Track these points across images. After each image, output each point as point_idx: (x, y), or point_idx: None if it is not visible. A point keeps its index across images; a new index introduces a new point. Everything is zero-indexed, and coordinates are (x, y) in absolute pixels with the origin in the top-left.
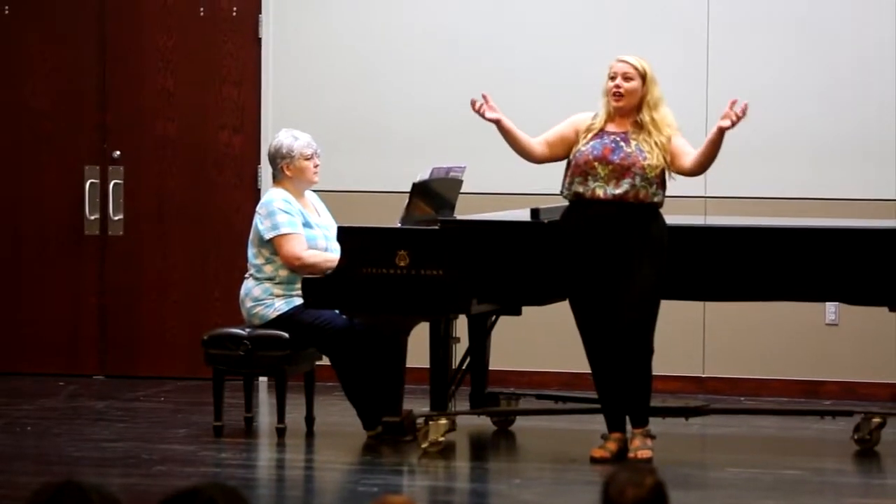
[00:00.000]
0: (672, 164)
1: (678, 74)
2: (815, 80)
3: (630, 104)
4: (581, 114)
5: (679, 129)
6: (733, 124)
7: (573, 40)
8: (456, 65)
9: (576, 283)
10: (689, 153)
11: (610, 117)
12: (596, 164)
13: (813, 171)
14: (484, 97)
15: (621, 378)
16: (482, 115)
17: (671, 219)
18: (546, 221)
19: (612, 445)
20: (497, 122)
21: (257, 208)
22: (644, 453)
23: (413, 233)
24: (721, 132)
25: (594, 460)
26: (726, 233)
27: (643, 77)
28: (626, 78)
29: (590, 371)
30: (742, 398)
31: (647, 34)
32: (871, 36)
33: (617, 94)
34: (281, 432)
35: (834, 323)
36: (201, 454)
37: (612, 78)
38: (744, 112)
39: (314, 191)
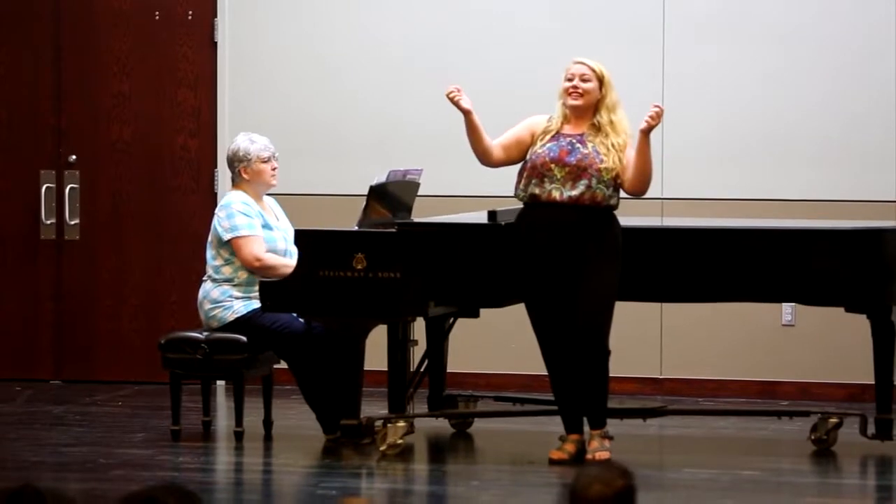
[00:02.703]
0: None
1: (634, 78)
2: (768, 82)
3: (587, 104)
4: (536, 116)
5: (632, 136)
6: (650, 126)
7: (529, 45)
8: (413, 69)
9: (531, 285)
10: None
11: (566, 119)
12: (552, 165)
13: (769, 173)
14: (458, 89)
15: (578, 380)
16: (456, 103)
17: (628, 220)
18: (503, 223)
19: (570, 447)
20: (468, 114)
21: (216, 210)
22: (602, 455)
23: (370, 235)
24: (644, 136)
25: (552, 462)
26: (683, 234)
27: (600, 80)
28: (584, 79)
29: (547, 373)
30: (699, 399)
31: (603, 38)
32: (819, 37)
33: (575, 94)
34: (239, 436)
35: (790, 324)
36: (159, 458)
37: (570, 80)
38: (658, 114)
39: (272, 195)
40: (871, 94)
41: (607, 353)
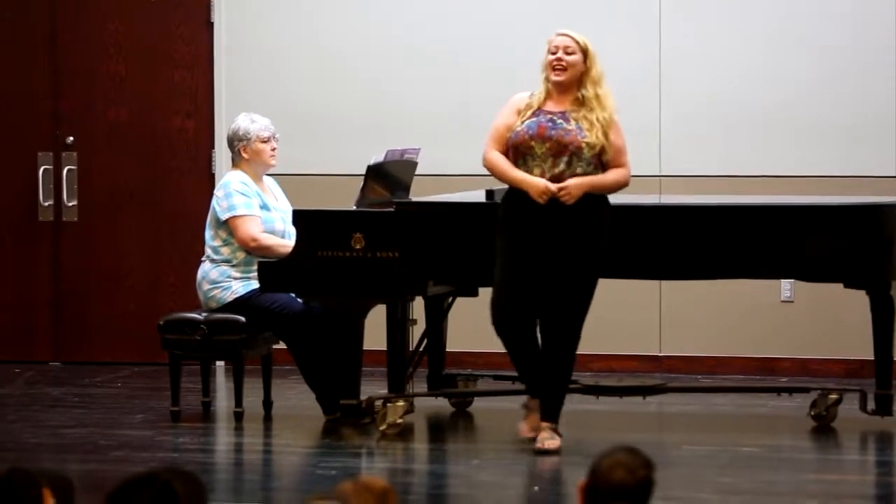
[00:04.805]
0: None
1: (630, 53)
2: (766, 58)
3: (571, 78)
4: (518, 94)
5: (618, 109)
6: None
7: (526, 21)
8: (411, 49)
9: (510, 264)
10: (613, 162)
11: (549, 95)
12: (532, 143)
13: (767, 149)
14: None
15: (544, 362)
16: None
17: (626, 198)
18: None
19: (533, 420)
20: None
21: (215, 190)
22: (552, 444)
23: (368, 215)
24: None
25: (528, 438)
26: (681, 211)
27: (584, 52)
28: (568, 52)
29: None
30: (699, 376)
31: (599, 12)
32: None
33: (559, 68)
34: (238, 416)
35: (789, 300)
36: (159, 439)
37: (553, 52)
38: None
39: (271, 175)
40: (871, 70)
41: (577, 338)
